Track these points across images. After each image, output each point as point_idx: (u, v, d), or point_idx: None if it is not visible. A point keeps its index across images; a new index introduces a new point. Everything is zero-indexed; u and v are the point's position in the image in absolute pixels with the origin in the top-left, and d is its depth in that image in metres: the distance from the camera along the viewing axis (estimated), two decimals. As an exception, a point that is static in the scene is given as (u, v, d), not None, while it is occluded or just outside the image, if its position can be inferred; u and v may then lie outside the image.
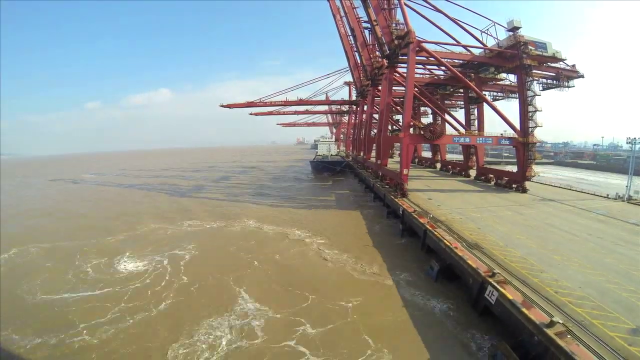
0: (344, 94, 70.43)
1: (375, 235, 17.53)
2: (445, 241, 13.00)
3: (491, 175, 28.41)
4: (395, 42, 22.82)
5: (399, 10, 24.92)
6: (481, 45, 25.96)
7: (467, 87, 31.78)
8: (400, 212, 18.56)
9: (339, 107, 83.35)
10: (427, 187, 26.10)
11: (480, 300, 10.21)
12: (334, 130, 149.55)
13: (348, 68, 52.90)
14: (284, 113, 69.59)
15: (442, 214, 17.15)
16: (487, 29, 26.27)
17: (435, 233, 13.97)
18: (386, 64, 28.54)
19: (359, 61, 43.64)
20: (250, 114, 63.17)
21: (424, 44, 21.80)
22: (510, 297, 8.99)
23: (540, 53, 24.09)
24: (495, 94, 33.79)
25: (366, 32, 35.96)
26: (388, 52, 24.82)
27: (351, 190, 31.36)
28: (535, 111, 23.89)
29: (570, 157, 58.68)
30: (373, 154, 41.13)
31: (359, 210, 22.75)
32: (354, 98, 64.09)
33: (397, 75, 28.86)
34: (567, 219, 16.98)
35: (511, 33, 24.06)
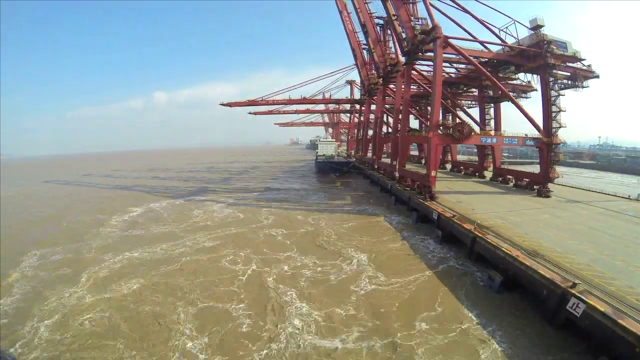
0: (342, 94, 70.05)
1: (418, 248, 16.71)
2: (503, 249, 12.67)
3: (510, 177, 28.73)
4: (419, 37, 22.58)
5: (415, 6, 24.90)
6: (501, 43, 26.18)
7: (481, 86, 32.33)
8: (435, 217, 18.19)
9: (337, 106, 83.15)
10: (448, 189, 25.98)
11: (559, 313, 9.84)
12: (330, 130, 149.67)
13: (354, 66, 52.99)
14: (285, 112, 68.77)
15: (483, 219, 16.87)
16: (507, 27, 26.61)
17: (489, 240, 13.63)
18: (403, 61, 28.41)
19: (366, 59, 43.56)
20: (250, 113, 62.02)
21: (451, 40, 21.64)
22: (601, 309, 8.68)
23: (562, 52, 24.61)
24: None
25: (376, 28, 35.87)
26: (409, 48, 24.57)
27: (365, 192, 30.85)
28: (559, 111, 24.33)
29: (569, 157, 60.99)
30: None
31: (382, 215, 22.16)
32: (356, 97, 64.20)
33: (414, 72, 28.65)
34: (606, 222, 17.12)
35: (533, 32, 24.49)
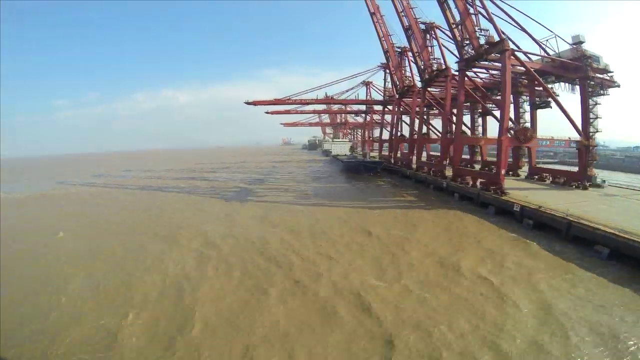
0: (355, 95, 73.20)
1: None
2: (602, 229, 16.05)
3: (546, 175, 33.04)
4: (484, 47, 26.06)
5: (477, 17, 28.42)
6: (543, 55, 30.41)
7: (517, 92, 36.77)
8: (517, 209, 21.47)
9: (343, 106, 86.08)
10: (500, 186, 29.65)
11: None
12: (327, 131, 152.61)
13: (379, 68, 56.34)
14: (302, 112, 70.76)
15: (560, 209, 20.32)
16: (547, 40, 30.99)
17: (586, 223, 17.01)
18: (455, 67, 31.92)
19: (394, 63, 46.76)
20: (267, 112, 63.52)
21: (517, 53, 25.35)
22: None
23: (597, 66, 29.31)
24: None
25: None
26: (469, 55, 28.06)
27: (418, 190, 33.62)
28: (596, 118, 28.92)
29: (569, 156, 68.21)
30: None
31: (456, 209, 24.99)
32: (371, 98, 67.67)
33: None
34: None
35: (574, 46, 28.95)
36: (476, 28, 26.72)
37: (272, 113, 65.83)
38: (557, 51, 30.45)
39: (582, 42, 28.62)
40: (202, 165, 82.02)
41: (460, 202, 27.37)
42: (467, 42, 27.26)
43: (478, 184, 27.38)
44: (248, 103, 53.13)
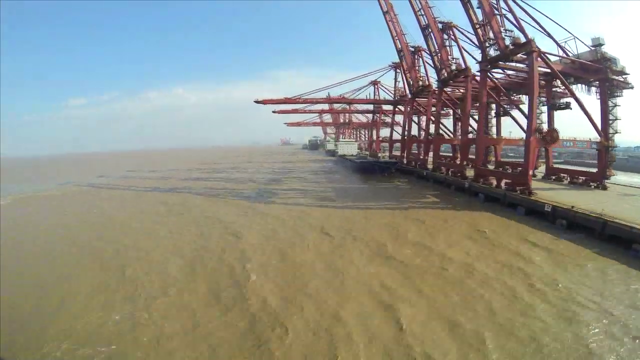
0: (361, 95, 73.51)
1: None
2: (638, 227, 16.62)
3: (564, 175, 33.79)
4: (510, 48, 26.54)
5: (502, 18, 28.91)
6: (562, 56, 31.06)
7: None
8: (548, 209, 21.98)
9: (348, 106, 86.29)
10: (520, 186, 30.25)
11: None
12: (328, 131, 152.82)
13: (390, 68, 56.67)
14: (310, 111, 70.91)
15: (591, 209, 20.88)
16: (565, 42, 31.66)
17: (622, 222, 17.56)
18: (477, 67, 32.39)
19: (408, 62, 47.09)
20: (274, 112, 63.47)
21: (544, 55, 25.89)
22: None
23: (615, 68, 30.08)
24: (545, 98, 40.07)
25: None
26: (493, 56, 28.52)
27: (439, 191, 34.00)
28: (615, 119, 29.71)
29: (571, 156, 69.69)
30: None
31: (488, 211, 24.87)
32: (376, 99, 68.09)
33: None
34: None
35: (594, 48, 29.66)
36: (501, 29, 27.18)
37: (279, 112, 65.83)
38: (575, 53, 31.22)
39: (601, 45, 29.33)
40: (212, 166, 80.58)
41: (485, 202, 27.82)
42: (493, 42, 27.72)
43: (503, 184, 27.87)
44: (257, 102, 52.92)
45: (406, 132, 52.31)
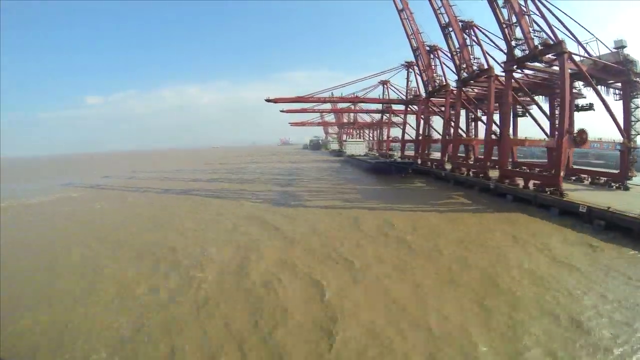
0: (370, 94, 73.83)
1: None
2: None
3: (584, 175, 34.40)
4: (540, 48, 26.82)
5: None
6: (584, 56, 31.51)
7: (553, 94, 38.02)
8: (583, 210, 22.33)
9: (353, 106, 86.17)
10: (544, 186, 30.67)
11: None
12: (329, 131, 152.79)
13: (402, 67, 56.84)
14: (319, 111, 70.77)
15: (626, 209, 21.26)
16: (587, 43, 32.17)
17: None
18: (500, 68, 32.70)
19: (425, 61, 47.29)
20: (282, 111, 63.22)
21: (574, 56, 26.25)
22: None
23: (636, 70, 30.71)
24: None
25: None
26: (520, 56, 28.80)
27: (462, 193, 34.10)
28: (638, 121, 30.35)
29: (576, 157, 70.85)
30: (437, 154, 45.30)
31: (523, 212, 24.82)
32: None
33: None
34: None
35: (616, 50, 30.22)
36: (530, 29, 27.47)
37: (287, 111, 65.58)
38: (596, 54, 31.76)
39: (624, 47, 29.87)
40: (220, 166, 79.53)
41: (513, 203, 28.11)
42: (521, 42, 28.00)
43: (531, 185, 28.20)
44: (269, 100, 52.40)
45: (422, 132, 52.45)
